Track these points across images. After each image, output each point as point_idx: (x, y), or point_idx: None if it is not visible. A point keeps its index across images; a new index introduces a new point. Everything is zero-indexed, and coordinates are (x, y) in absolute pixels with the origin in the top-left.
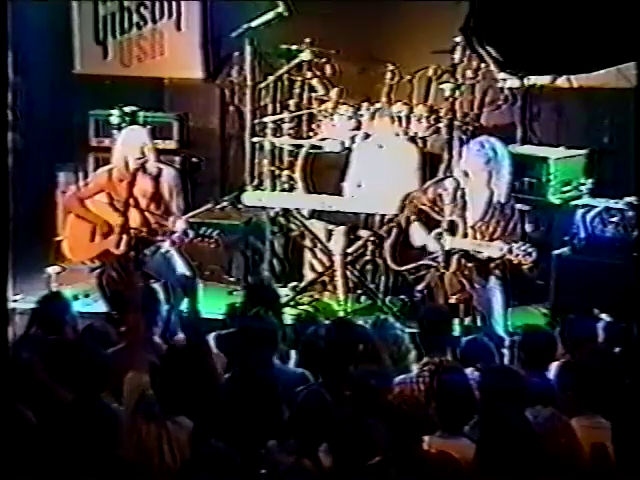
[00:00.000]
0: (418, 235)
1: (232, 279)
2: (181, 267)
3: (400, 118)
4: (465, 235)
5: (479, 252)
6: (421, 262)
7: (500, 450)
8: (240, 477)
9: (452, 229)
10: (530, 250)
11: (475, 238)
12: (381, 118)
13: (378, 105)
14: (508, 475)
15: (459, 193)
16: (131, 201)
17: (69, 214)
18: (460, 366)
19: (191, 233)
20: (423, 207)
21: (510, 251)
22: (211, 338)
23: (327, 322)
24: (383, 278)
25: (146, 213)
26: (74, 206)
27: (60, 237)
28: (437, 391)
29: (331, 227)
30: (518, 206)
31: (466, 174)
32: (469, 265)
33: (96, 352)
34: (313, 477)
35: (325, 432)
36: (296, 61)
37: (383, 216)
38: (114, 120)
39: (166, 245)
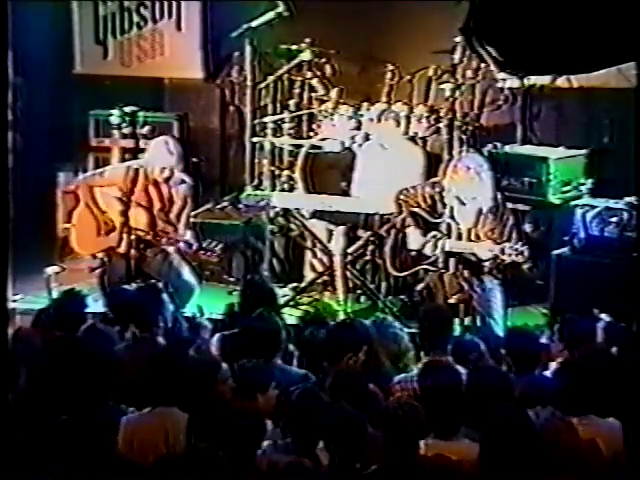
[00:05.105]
0: (414, 239)
1: (232, 279)
2: (184, 271)
3: (404, 119)
4: (459, 237)
5: (473, 254)
6: (420, 267)
7: (502, 450)
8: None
9: (447, 231)
10: (522, 249)
11: (469, 240)
12: (386, 120)
13: (383, 107)
14: (510, 475)
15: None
16: (143, 202)
17: (78, 203)
18: (451, 365)
19: (195, 245)
20: (417, 209)
21: (502, 251)
22: (215, 339)
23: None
24: (383, 278)
25: (155, 216)
26: (84, 192)
27: (67, 225)
28: (426, 392)
29: (331, 227)
30: (517, 206)
31: (458, 199)
32: (467, 266)
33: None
34: (310, 477)
35: (320, 431)
36: (296, 61)
37: (383, 216)
38: (114, 120)
39: (171, 250)
